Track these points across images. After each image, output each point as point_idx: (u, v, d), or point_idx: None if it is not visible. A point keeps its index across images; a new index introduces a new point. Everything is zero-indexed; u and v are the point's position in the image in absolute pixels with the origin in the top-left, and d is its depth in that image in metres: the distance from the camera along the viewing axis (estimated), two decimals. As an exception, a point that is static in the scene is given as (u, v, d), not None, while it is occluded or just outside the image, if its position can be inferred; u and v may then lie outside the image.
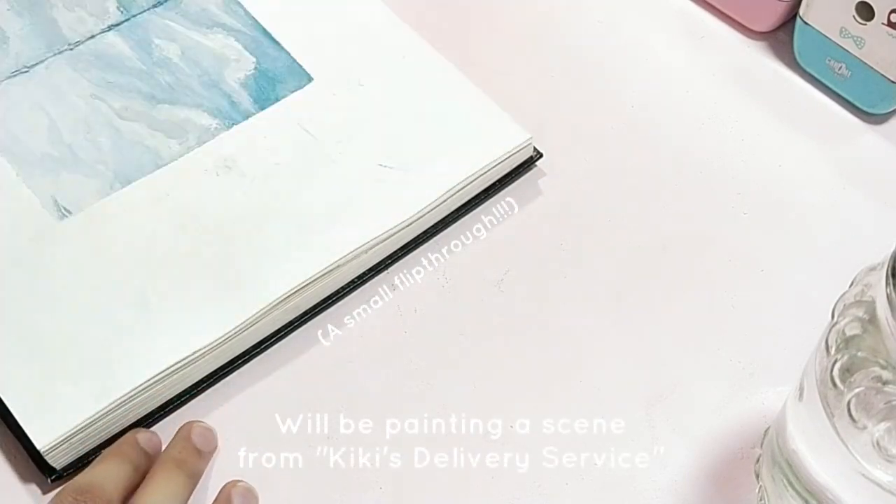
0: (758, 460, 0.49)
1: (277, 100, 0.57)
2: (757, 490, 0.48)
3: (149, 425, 0.50)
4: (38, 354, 0.49)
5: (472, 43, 0.62)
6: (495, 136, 0.56)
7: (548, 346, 0.53)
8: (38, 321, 0.50)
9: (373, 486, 0.49)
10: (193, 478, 0.47)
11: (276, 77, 0.58)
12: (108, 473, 0.46)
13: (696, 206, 0.58)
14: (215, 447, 0.49)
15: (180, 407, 0.50)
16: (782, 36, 0.64)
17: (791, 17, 0.62)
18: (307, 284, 0.51)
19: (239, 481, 0.48)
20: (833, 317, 0.40)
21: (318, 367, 0.52)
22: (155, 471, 0.47)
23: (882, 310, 0.37)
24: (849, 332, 0.39)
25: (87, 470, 0.47)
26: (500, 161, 0.56)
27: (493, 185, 0.57)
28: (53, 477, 0.48)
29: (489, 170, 0.55)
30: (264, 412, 0.50)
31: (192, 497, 0.47)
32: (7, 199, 0.54)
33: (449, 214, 0.56)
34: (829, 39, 0.59)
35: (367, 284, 0.54)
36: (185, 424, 0.49)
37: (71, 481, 0.46)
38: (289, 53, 0.59)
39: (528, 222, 0.57)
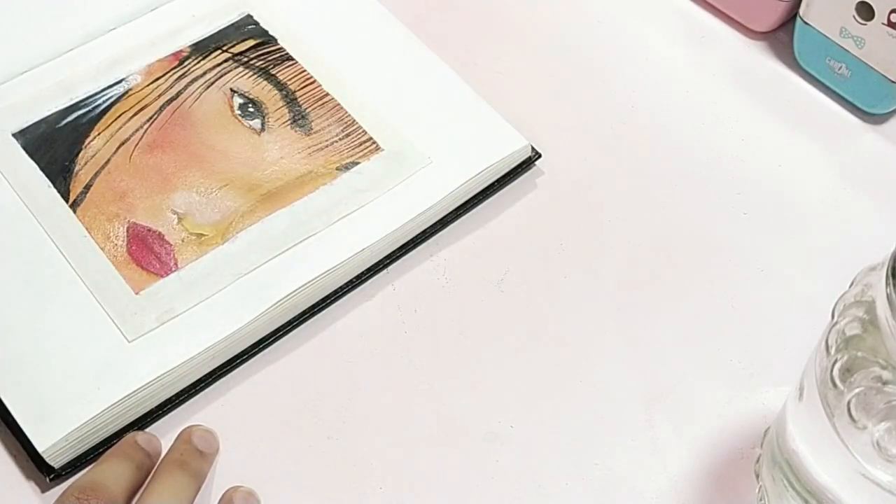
0: (758, 460, 0.49)
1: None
2: (757, 490, 0.48)
3: (148, 425, 0.50)
4: (38, 354, 0.49)
5: (472, 43, 0.62)
6: (493, 142, 0.56)
7: (548, 346, 0.53)
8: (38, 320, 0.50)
9: (373, 486, 0.49)
10: (197, 478, 0.47)
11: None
12: (111, 472, 0.46)
13: (696, 206, 0.58)
14: (217, 449, 0.49)
15: (179, 406, 0.50)
16: (782, 36, 0.64)
17: (791, 17, 0.62)
18: (307, 284, 0.52)
19: (240, 487, 0.48)
20: (833, 317, 0.40)
21: (317, 367, 0.52)
22: (158, 473, 0.47)
23: (882, 310, 0.37)
24: (849, 332, 0.39)
25: (89, 469, 0.47)
26: (496, 166, 0.56)
27: (492, 185, 0.57)
28: (52, 476, 0.47)
29: (486, 172, 0.55)
30: (264, 412, 0.50)
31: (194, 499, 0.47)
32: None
33: (448, 214, 0.55)
34: (829, 39, 0.59)
35: (367, 284, 0.54)
36: (184, 429, 0.49)
37: (74, 481, 0.46)
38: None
39: (527, 222, 0.56)
